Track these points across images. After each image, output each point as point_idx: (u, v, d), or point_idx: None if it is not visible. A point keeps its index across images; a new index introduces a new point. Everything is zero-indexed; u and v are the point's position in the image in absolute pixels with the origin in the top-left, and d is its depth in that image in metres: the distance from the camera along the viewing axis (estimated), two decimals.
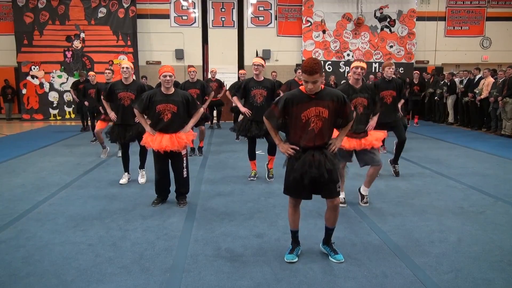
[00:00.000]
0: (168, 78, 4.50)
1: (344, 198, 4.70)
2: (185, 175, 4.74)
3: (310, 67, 2.95)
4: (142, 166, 5.86)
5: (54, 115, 14.14)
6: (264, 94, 5.65)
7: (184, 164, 4.71)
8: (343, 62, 14.42)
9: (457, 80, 12.49)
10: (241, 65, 14.43)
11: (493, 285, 2.96)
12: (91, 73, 9.71)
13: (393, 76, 6.05)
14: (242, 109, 5.74)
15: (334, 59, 14.39)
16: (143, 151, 5.72)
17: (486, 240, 3.76)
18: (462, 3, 14.81)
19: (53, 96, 14.13)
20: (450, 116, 12.74)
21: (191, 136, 4.75)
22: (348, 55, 14.43)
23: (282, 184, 5.55)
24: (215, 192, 5.37)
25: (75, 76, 13.93)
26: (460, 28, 14.89)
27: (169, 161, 4.73)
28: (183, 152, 4.68)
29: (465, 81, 12.04)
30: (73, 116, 14.10)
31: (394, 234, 3.90)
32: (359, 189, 4.86)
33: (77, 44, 13.94)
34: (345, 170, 4.82)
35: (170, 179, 4.84)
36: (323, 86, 3.18)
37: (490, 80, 10.79)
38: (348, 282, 3.00)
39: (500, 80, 10.27)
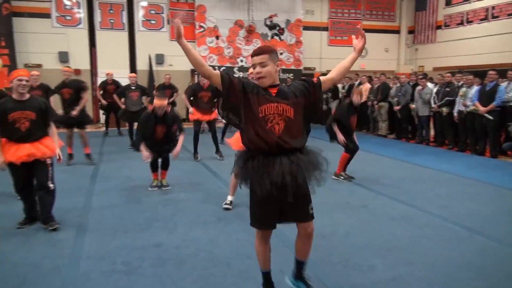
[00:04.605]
0: (24, 82, 4.01)
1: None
2: (51, 188, 4.17)
3: (258, 48, 2.58)
4: None
5: None
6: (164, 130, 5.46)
7: (50, 175, 4.17)
8: (237, 68, 14.75)
9: (339, 85, 13.59)
10: (133, 70, 13.89)
11: (376, 270, 3.27)
12: None
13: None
14: (145, 153, 5.39)
15: (228, 64, 14.63)
16: None
17: (369, 230, 4.16)
18: (341, 15, 16.17)
19: None
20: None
21: (53, 144, 4.21)
22: (241, 61, 14.77)
23: (182, 191, 5.56)
24: (108, 203, 5.07)
25: None
26: (341, 38, 16.23)
27: (31, 174, 4.15)
28: (48, 161, 4.14)
29: (346, 87, 13.16)
30: None
31: (288, 230, 4.08)
32: None
33: None
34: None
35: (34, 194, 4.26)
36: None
37: (367, 86, 11.97)
38: (247, 282, 3.06)
39: (375, 86, 11.46)
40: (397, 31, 16.71)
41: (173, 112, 5.63)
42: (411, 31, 16.45)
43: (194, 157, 7.82)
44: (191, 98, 7.81)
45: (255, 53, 2.53)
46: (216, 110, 7.68)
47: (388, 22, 16.62)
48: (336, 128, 6.20)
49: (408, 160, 7.82)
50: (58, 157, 4.22)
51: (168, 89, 10.61)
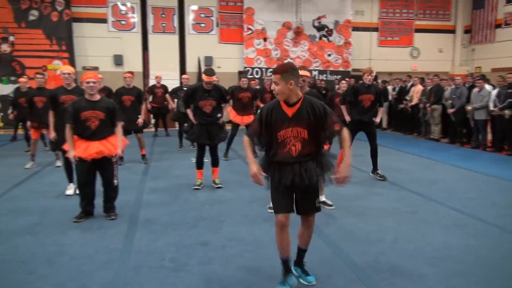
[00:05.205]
0: (91, 84, 4.34)
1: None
2: (115, 184, 4.58)
3: (276, 67, 2.87)
4: (70, 180, 5.49)
5: None
6: (213, 104, 5.64)
7: (115, 172, 4.56)
8: None
9: (390, 87, 13.22)
10: (183, 72, 14.25)
11: (427, 280, 3.14)
12: (22, 79, 9.03)
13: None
14: (191, 117, 5.76)
15: (275, 66, 14.64)
16: (68, 163, 5.34)
17: (419, 238, 4.00)
18: (393, 15, 15.71)
19: None
20: (384, 121, 13.43)
21: (122, 143, 4.61)
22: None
23: (228, 191, 5.64)
24: (158, 201, 5.24)
25: (4, 82, 13.03)
26: (391, 38, 15.78)
27: (96, 171, 4.51)
28: (113, 159, 4.50)
29: (397, 89, 12.77)
30: (1, 124, 13.14)
31: (336, 236, 4.03)
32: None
33: (5, 48, 13.03)
34: None
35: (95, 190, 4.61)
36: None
37: (419, 87, 11.54)
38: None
39: (428, 88, 11.02)
40: (452, 31, 16.00)
41: (219, 85, 5.84)
42: (467, 31, 15.69)
43: (225, 156, 7.96)
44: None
45: (273, 72, 2.90)
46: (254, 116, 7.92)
47: (443, 22, 15.95)
48: (343, 108, 6.45)
49: (463, 166, 7.45)
50: (119, 155, 4.60)
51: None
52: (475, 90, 9.38)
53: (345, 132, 2.92)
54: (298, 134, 2.83)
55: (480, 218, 4.58)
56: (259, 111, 3.04)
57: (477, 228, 4.29)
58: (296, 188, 2.87)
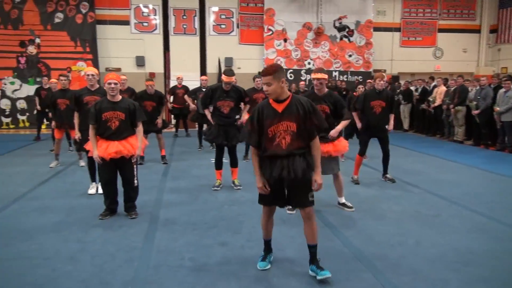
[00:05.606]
0: (113, 85, 4.40)
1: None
2: (135, 184, 4.65)
3: (264, 69, 3.09)
4: (93, 179, 5.58)
5: (7, 124, 13.48)
6: (231, 105, 5.67)
7: (135, 172, 4.64)
8: (304, 71, 14.68)
9: (412, 88, 13.00)
10: (203, 73, 14.37)
11: (449, 286, 3.08)
12: (52, 80, 9.18)
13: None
14: (209, 117, 5.83)
15: (295, 67, 14.61)
16: (91, 163, 5.43)
17: (442, 242, 3.92)
18: (415, 15, 15.47)
19: (5, 104, 13.47)
20: (406, 123, 13.21)
21: (142, 144, 4.69)
22: (309, 63, 14.69)
23: (247, 192, 5.65)
24: (177, 201, 5.29)
25: (30, 82, 13.39)
26: (414, 38, 15.54)
27: (117, 170, 4.59)
28: (133, 159, 4.57)
29: (420, 89, 12.56)
30: (27, 124, 13.51)
31: (356, 239, 3.98)
32: (338, 203, 4.97)
33: (31, 49, 13.40)
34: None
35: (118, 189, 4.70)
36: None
37: (443, 88, 11.30)
38: (311, 287, 3.03)
39: (452, 89, 10.79)
40: (477, 31, 15.66)
41: (238, 86, 5.86)
42: (493, 30, 15.32)
43: (244, 158, 7.94)
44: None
45: (262, 74, 3.07)
46: None
47: (467, 21, 15.63)
48: (355, 114, 6.31)
49: (488, 168, 7.26)
50: (138, 156, 4.67)
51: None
52: (501, 91, 9.12)
53: (317, 140, 3.14)
54: (288, 127, 3.04)
55: (506, 222, 4.45)
56: (252, 112, 3.21)
57: (502, 232, 4.17)
58: (285, 181, 3.07)
